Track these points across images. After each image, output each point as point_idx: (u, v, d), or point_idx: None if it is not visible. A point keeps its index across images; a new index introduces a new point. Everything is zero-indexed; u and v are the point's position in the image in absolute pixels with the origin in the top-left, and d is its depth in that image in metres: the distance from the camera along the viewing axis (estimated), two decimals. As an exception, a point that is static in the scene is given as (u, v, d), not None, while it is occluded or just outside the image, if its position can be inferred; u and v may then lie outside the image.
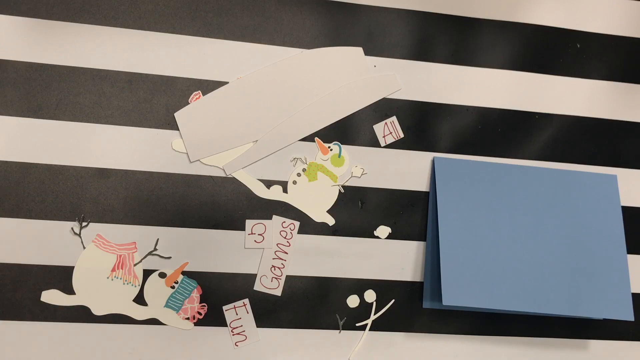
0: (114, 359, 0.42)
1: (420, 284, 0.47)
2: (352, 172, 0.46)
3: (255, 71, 0.44)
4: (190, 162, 0.43)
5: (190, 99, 0.44)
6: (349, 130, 0.46)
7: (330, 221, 0.45)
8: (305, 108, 0.45)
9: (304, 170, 0.45)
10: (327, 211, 0.46)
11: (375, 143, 0.47)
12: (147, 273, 0.42)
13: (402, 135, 0.47)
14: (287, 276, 0.45)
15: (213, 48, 0.45)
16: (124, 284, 0.42)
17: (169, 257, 0.43)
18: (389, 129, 0.47)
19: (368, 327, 0.45)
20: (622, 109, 0.51)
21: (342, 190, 0.46)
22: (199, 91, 0.44)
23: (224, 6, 0.46)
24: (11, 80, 0.42)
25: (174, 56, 0.45)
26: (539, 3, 0.51)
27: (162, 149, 0.44)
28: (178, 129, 0.44)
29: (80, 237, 0.42)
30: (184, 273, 0.43)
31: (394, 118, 0.47)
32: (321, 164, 0.46)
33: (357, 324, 0.45)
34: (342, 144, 0.46)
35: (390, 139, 0.47)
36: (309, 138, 0.46)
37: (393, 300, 0.46)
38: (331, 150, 0.46)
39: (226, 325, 0.43)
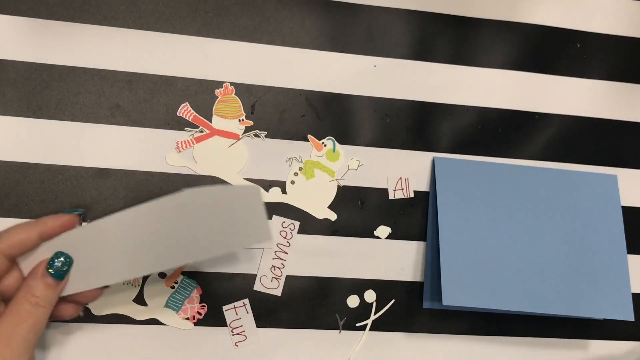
0: (114, 359, 0.42)
1: (420, 284, 0.47)
2: (349, 165, 0.46)
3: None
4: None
5: (179, 111, 0.44)
6: (348, 131, 0.46)
7: (333, 216, 0.45)
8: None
9: (300, 169, 0.45)
10: (328, 207, 0.46)
11: (375, 143, 0.47)
12: (147, 273, 0.42)
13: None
14: (287, 276, 0.45)
15: (213, 48, 0.45)
16: (123, 284, 0.42)
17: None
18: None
19: (368, 327, 0.45)
20: (622, 109, 0.51)
21: (341, 185, 0.46)
22: (187, 103, 0.44)
23: (224, 6, 0.46)
24: (11, 80, 0.42)
25: (174, 56, 0.45)
26: (539, 3, 0.51)
27: (162, 149, 0.44)
28: (178, 129, 0.44)
29: (80, 237, 0.42)
30: (183, 273, 0.43)
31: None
32: (317, 160, 0.46)
33: (357, 324, 0.45)
34: (342, 144, 0.46)
35: (390, 139, 0.47)
36: (303, 138, 0.46)
37: (393, 301, 0.46)
38: (325, 145, 0.46)
39: (226, 326, 0.43)
